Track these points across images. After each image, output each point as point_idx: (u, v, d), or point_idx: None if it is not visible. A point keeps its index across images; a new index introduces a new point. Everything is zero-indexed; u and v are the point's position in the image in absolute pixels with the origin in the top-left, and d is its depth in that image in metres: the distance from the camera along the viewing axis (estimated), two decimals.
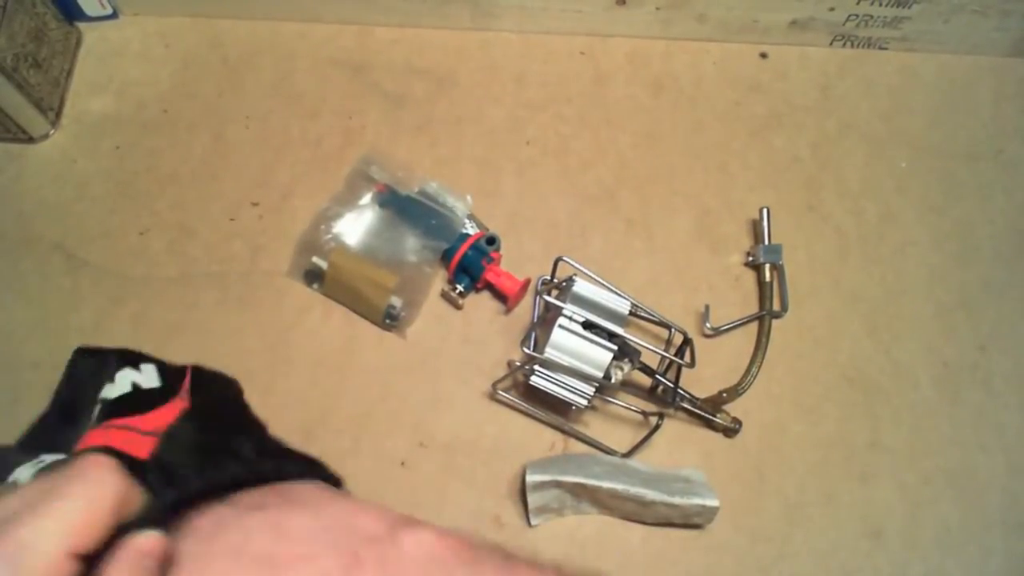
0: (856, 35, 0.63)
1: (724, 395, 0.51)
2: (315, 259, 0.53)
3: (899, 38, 0.63)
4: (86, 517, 0.23)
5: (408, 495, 0.49)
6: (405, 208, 0.55)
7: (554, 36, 0.64)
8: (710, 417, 0.51)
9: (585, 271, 0.48)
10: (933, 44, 0.63)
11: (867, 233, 0.58)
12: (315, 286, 0.54)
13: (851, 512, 0.50)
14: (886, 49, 0.64)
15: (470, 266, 0.53)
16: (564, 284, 0.50)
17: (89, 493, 0.24)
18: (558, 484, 0.46)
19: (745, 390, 0.52)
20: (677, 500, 0.46)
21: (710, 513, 0.46)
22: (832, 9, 0.60)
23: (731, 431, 0.51)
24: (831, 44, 0.64)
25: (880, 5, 0.60)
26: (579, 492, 0.47)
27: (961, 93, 0.63)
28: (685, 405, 0.51)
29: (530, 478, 0.46)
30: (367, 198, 0.56)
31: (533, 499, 0.47)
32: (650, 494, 0.46)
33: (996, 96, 0.63)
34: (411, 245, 0.54)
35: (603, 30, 0.64)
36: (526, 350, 0.47)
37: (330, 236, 0.54)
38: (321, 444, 0.48)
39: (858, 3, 0.60)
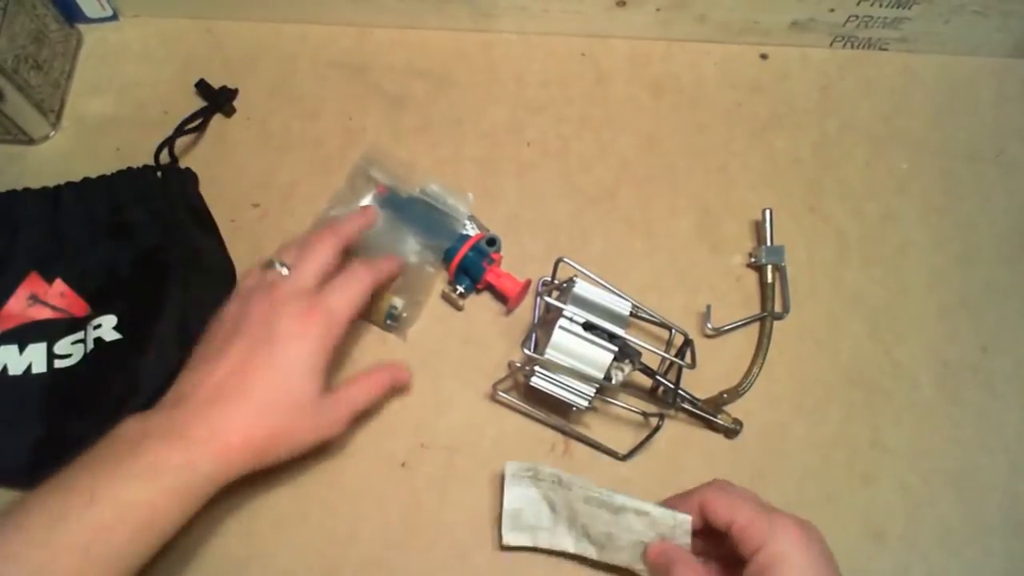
0: (856, 36, 0.63)
1: (725, 396, 0.51)
2: None
3: (899, 39, 0.63)
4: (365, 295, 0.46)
5: (408, 495, 0.49)
6: (406, 209, 0.55)
7: (554, 37, 0.64)
8: (711, 418, 0.51)
9: (586, 272, 0.48)
10: (934, 45, 0.63)
11: (868, 234, 0.58)
12: None
13: (852, 513, 0.50)
14: (886, 50, 0.64)
15: (471, 267, 0.53)
16: (565, 285, 0.50)
17: (367, 280, 0.46)
18: (536, 476, 0.46)
19: (746, 391, 0.52)
20: (648, 507, 0.43)
21: (682, 527, 0.43)
22: (832, 10, 0.60)
23: (732, 432, 0.51)
24: (831, 45, 0.64)
25: (880, 6, 0.60)
26: (556, 496, 0.45)
27: (962, 94, 0.63)
28: (686, 406, 0.51)
29: (510, 466, 0.46)
30: (368, 198, 0.56)
31: (511, 497, 0.46)
32: (620, 498, 0.44)
33: (997, 97, 0.63)
34: (412, 246, 0.54)
35: (603, 31, 0.64)
36: (527, 351, 0.47)
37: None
38: (321, 445, 0.47)
39: (858, 4, 0.60)
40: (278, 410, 0.42)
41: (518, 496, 0.46)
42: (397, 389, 0.50)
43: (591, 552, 0.45)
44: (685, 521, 0.43)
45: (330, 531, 0.48)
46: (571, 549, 0.46)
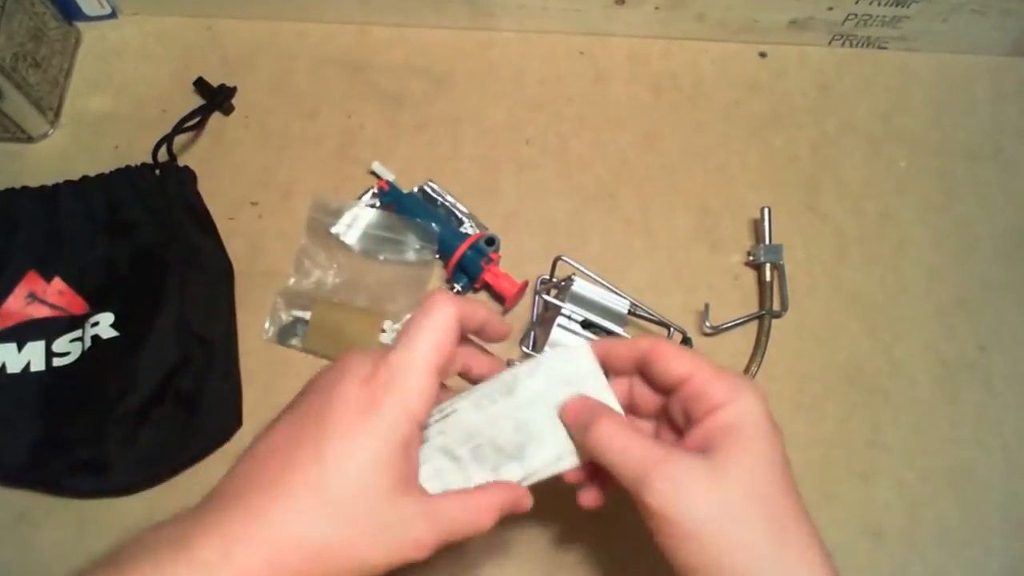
0: (855, 35, 0.63)
1: None
2: (296, 312, 0.52)
3: (898, 37, 0.63)
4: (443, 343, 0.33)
5: None
6: (405, 206, 0.55)
7: (553, 35, 0.64)
8: None
9: (584, 271, 0.48)
10: (932, 43, 0.63)
11: (866, 232, 0.58)
12: (294, 342, 0.52)
13: (851, 511, 0.50)
14: (885, 48, 0.64)
15: (469, 266, 0.53)
16: (563, 283, 0.50)
17: (448, 311, 0.33)
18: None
19: None
20: (538, 358, 0.37)
21: (585, 356, 0.36)
22: (831, 9, 0.60)
23: None
24: (830, 44, 0.64)
25: (879, 5, 0.60)
26: (448, 438, 0.36)
27: (960, 92, 0.63)
28: None
29: None
30: (368, 196, 0.56)
31: None
32: (508, 372, 0.36)
33: (995, 95, 0.63)
34: (411, 243, 0.54)
35: (602, 29, 0.64)
36: (525, 349, 0.47)
37: (311, 282, 0.54)
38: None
39: (857, 2, 0.60)
40: (325, 516, 0.30)
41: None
42: (511, 516, 0.35)
43: (515, 472, 0.36)
44: (583, 347, 0.36)
45: None
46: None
